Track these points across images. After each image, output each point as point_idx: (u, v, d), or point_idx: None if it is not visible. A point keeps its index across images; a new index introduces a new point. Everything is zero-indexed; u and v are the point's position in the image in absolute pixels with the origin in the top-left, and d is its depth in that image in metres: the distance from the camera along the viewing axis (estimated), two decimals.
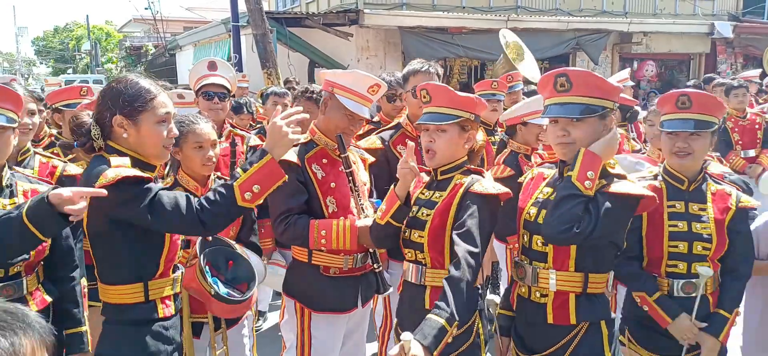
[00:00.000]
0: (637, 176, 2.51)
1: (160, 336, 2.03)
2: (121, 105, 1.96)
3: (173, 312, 2.10)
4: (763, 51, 10.36)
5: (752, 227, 2.54)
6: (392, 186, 2.35)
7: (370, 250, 2.68)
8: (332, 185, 2.66)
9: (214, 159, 2.72)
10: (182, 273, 2.21)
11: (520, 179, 2.46)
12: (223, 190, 1.94)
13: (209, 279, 2.22)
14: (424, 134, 2.30)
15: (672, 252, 2.39)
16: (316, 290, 2.69)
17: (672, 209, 2.41)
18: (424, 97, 2.27)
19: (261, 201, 2.01)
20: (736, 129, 5.68)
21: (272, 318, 4.85)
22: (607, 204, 1.99)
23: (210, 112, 3.57)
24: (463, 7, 12.87)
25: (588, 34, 13.49)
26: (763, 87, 9.09)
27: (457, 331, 2.03)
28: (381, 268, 2.69)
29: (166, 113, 2.01)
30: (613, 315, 2.21)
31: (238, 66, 9.81)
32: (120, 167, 1.89)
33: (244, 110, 5.48)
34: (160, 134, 2.00)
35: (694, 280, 2.37)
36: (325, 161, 2.70)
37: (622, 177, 2.08)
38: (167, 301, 2.08)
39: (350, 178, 2.63)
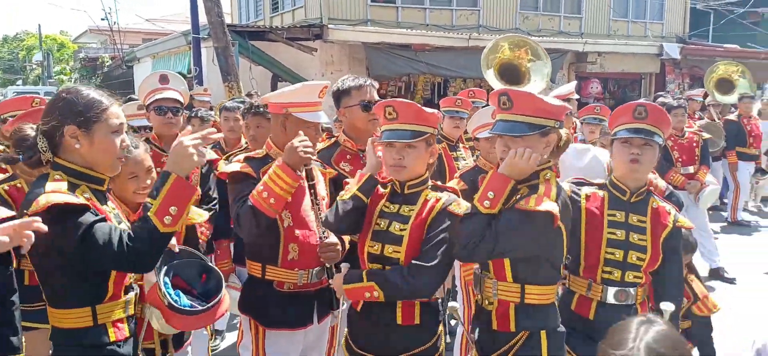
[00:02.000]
0: (584, 188, 2.64)
1: None
2: (73, 116, 1.90)
3: (127, 335, 2.04)
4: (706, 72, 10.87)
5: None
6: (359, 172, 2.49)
7: (326, 265, 2.69)
8: (289, 199, 2.62)
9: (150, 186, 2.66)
10: (136, 293, 2.15)
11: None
12: (141, 223, 1.86)
13: (164, 290, 2.16)
14: (389, 149, 2.31)
15: (608, 259, 2.49)
16: (270, 306, 2.67)
17: (612, 218, 2.51)
18: (390, 114, 2.30)
19: (180, 224, 1.91)
20: (676, 147, 5.95)
21: (230, 337, 4.78)
22: (508, 220, 2.12)
23: (163, 127, 3.54)
24: (427, 25, 13.07)
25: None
26: (706, 106, 9.53)
27: (422, 348, 2.25)
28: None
29: (119, 123, 1.97)
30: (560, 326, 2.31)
31: (199, 79, 9.71)
32: (52, 193, 1.81)
33: (196, 115, 5.41)
34: (114, 145, 1.96)
35: (626, 289, 2.48)
36: None
37: (545, 186, 2.17)
38: (119, 324, 2.01)
39: (312, 191, 2.65)
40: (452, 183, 3.50)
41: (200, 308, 2.22)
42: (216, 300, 2.24)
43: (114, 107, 1.97)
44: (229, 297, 2.34)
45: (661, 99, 6.45)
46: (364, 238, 2.40)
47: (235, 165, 2.68)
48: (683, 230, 2.58)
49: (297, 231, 2.63)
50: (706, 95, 9.93)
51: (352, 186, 2.43)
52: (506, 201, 2.17)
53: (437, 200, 2.29)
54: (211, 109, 6.39)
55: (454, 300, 4.27)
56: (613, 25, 16.10)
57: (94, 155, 1.94)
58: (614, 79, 16.57)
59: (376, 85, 3.19)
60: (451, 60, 12.46)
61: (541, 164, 2.22)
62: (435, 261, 2.18)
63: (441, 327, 2.36)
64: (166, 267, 2.22)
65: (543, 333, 2.23)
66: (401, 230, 2.28)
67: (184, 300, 2.21)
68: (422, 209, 2.29)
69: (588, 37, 15.08)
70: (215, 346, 4.69)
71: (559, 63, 14.23)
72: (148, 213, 1.84)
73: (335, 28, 10.99)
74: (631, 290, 2.49)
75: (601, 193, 2.58)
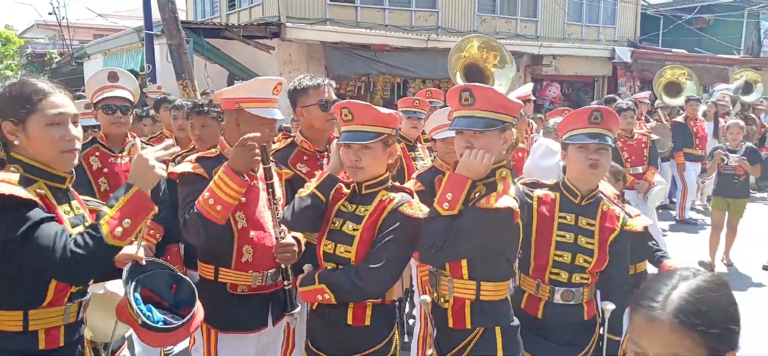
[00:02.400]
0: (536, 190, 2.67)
1: None
2: (6, 111, 1.81)
3: (61, 344, 1.89)
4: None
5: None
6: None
7: (281, 266, 2.64)
8: (242, 199, 2.57)
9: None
10: (86, 301, 2.01)
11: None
12: (91, 231, 1.75)
13: (136, 308, 2.03)
14: (346, 150, 2.30)
15: (557, 261, 2.52)
16: (222, 309, 2.60)
17: (562, 221, 2.54)
18: (347, 115, 2.28)
19: (129, 240, 1.83)
20: (625, 148, 6.13)
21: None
22: (469, 219, 2.13)
23: (111, 126, 3.42)
24: (386, 26, 13.10)
25: None
26: (654, 108, 9.86)
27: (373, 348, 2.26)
28: (291, 285, 2.65)
29: (57, 113, 1.84)
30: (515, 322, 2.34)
31: (152, 77, 9.46)
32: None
33: (146, 114, 5.26)
34: (51, 137, 1.83)
35: (572, 289, 2.52)
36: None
37: (496, 190, 2.18)
38: (55, 332, 1.87)
39: (271, 190, 2.59)
40: (409, 184, 3.48)
41: (176, 324, 2.10)
42: (191, 313, 2.13)
43: (53, 96, 1.84)
44: (201, 310, 2.23)
45: (615, 103, 6.63)
46: (321, 237, 2.38)
47: (186, 165, 2.59)
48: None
49: (252, 233, 2.58)
50: (654, 98, 10.28)
51: (310, 184, 2.41)
52: (465, 201, 2.17)
53: (390, 201, 2.28)
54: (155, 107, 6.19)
55: (411, 299, 4.28)
56: (568, 29, 16.49)
57: (33, 149, 1.83)
58: (568, 81, 16.98)
59: (334, 84, 3.16)
60: (410, 61, 12.53)
61: (498, 162, 2.23)
62: (382, 263, 2.17)
63: (395, 329, 2.36)
64: (134, 282, 2.09)
65: (498, 329, 2.25)
66: (353, 230, 2.27)
67: (157, 315, 2.09)
68: (376, 210, 2.28)
69: (543, 40, 15.40)
70: (168, 351, 4.57)
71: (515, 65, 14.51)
72: (100, 220, 1.76)
73: (293, 27, 10.90)
74: (578, 290, 2.53)
75: (552, 194, 2.60)
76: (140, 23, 10.28)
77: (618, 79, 17.14)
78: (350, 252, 2.26)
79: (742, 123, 6.58)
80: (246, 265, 2.58)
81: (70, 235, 1.76)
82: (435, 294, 2.38)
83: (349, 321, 2.29)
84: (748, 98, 11.20)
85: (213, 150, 2.72)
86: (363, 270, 2.19)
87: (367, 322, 2.30)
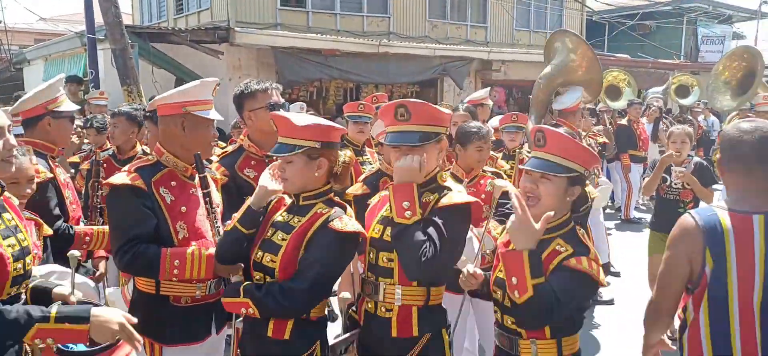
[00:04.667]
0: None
1: None
2: None
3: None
4: None
5: None
6: None
7: (222, 277, 2.58)
8: (183, 209, 2.52)
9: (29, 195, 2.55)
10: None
11: (369, 201, 2.57)
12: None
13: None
14: (276, 162, 2.33)
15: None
16: (167, 323, 2.53)
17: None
18: (276, 126, 2.30)
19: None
20: None
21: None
22: (445, 218, 2.14)
23: None
24: (338, 31, 13.09)
25: (453, 61, 14.28)
26: (598, 112, 10.18)
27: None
28: None
29: None
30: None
31: (95, 82, 9.17)
32: None
33: (90, 124, 5.09)
34: None
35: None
36: (173, 183, 2.56)
37: (449, 189, 2.24)
38: None
39: (208, 199, 2.53)
40: (356, 187, 3.51)
41: (93, 349, 2.08)
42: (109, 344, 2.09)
43: None
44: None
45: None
46: (254, 246, 2.32)
47: (122, 177, 2.47)
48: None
49: (193, 243, 2.50)
50: (597, 102, 10.60)
51: (235, 216, 2.33)
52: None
53: (322, 215, 2.22)
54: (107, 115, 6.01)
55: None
56: (517, 34, 16.86)
57: None
58: (518, 86, 17.33)
59: (280, 87, 3.13)
60: (362, 66, 12.54)
61: (434, 170, 2.29)
62: (307, 284, 2.12)
63: (317, 346, 2.28)
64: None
65: (443, 331, 2.28)
66: (282, 239, 2.22)
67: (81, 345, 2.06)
68: (307, 221, 2.23)
69: (493, 46, 15.67)
70: None
71: (465, 70, 14.72)
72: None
73: (243, 32, 10.75)
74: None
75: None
76: (83, 27, 9.96)
77: None
78: (275, 262, 2.19)
79: (689, 130, 4.87)
80: (191, 277, 2.49)
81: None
82: (370, 304, 2.32)
83: (269, 334, 2.23)
84: (685, 101, 11.65)
85: (149, 158, 2.64)
86: (288, 290, 2.13)
87: (287, 336, 2.23)
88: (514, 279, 1.99)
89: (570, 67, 5.62)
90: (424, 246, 2.08)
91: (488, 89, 7.62)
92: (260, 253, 2.26)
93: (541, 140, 2.13)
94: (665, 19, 20.93)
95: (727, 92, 8.68)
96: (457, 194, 2.22)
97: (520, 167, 2.38)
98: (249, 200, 2.31)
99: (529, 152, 4.54)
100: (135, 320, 1.96)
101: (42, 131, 3.20)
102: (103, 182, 2.63)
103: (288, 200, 2.39)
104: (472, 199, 2.21)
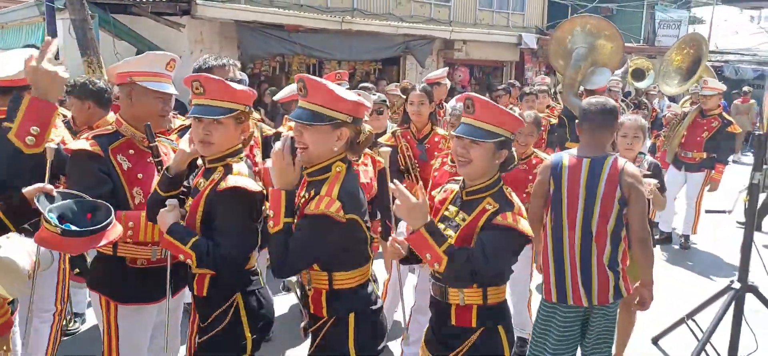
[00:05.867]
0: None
1: None
2: None
3: None
4: None
5: None
6: None
7: None
8: (139, 176, 2.67)
9: None
10: None
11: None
12: None
13: (53, 223, 2.10)
14: (196, 124, 2.34)
15: None
16: (122, 282, 2.68)
17: (446, 212, 2.50)
18: (198, 89, 2.31)
19: (45, 143, 1.88)
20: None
21: (91, 317, 4.72)
22: (299, 228, 2.20)
23: None
24: (301, 6, 13.02)
25: (416, 39, 14.42)
26: (556, 92, 10.54)
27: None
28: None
29: None
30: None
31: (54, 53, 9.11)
32: None
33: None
34: None
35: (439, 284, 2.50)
36: (131, 151, 2.70)
37: (321, 192, 2.19)
38: None
39: (159, 168, 2.65)
40: None
41: (91, 228, 2.17)
42: (107, 221, 2.21)
43: None
44: (119, 227, 2.33)
45: (521, 90, 7.11)
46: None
47: (81, 143, 2.63)
48: None
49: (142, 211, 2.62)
50: (557, 83, 10.95)
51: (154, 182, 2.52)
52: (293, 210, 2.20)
53: (213, 181, 2.35)
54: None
55: None
56: (480, 14, 17.02)
57: None
58: (479, 66, 17.65)
59: (238, 64, 3.25)
60: (325, 42, 12.61)
61: (333, 156, 2.23)
62: (224, 253, 2.25)
63: (236, 299, 2.42)
64: (49, 206, 2.17)
65: (351, 316, 2.29)
66: (188, 205, 2.42)
67: (74, 227, 2.17)
68: (207, 185, 2.37)
69: (455, 25, 15.82)
70: (75, 329, 4.62)
71: (428, 49, 14.88)
72: (8, 135, 1.82)
73: (204, 4, 10.73)
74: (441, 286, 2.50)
75: (457, 187, 2.56)
76: None
77: (525, 64, 18.01)
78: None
79: (642, 122, 4.01)
80: (144, 239, 2.62)
81: None
82: (307, 279, 2.40)
83: (194, 291, 2.48)
84: (640, 84, 11.92)
85: (109, 127, 2.78)
86: (215, 258, 2.26)
87: (204, 293, 2.44)
88: (427, 255, 2.18)
89: (598, 49, 6.40)
90: (282, 257, 2.18)
91: (445, 68, 7.87)
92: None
93: (470, 107, 2.30)
94: (625, 2, 21.29)
95: (676, 77, 9.04)
96: (325, 200, 2.14)
97: (452, 132, 2.57)
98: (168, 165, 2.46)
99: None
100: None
101: None
102: (64, 148, 2.80)
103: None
104: (327, 209, 2.13)
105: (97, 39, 8.68)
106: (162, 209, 2.36)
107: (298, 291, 2.53)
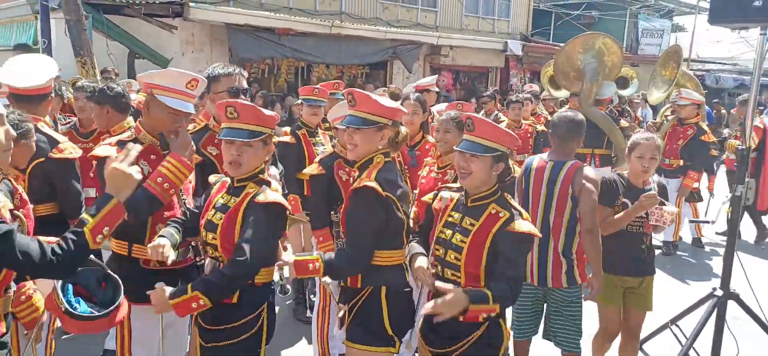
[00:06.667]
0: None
1: None
2: None
3: (4, 331, 2.12)
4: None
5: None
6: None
7: (192, 243, 2.84)
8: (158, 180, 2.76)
9: None
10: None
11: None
12: (75, 237, 1.95)
13: (61, 297, 2.19)
14: (227, 146, 2.50)
15: (435, 255, 2.71)
16: (134, 282, 2.70)
17: (450, 219, 2.68)
18: (232, 113, 2.47)
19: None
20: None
21: None
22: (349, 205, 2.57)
23: None
24: (290, 9, 13.14)
25: (403, 44, 14.59)
26: (542, 99, 10.73)
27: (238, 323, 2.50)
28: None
29: None
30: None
31: (48, 52, 9.13)
32: None
33: (53, 93, 5.29)
34: None
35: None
36: (153, 157, 2.80)
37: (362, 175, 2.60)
38: None
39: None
40: (312, 168, 3.80)
41: (98, 314, 2.25)
42: (114, 306, 2.30)
43: None
44: (126, 304, 2.43)
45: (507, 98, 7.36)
46: (201, 226, 2.60)
47: (108, 148, 2.74)
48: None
49: (165, 212, 2.76)
50: (541, 89, 11.14)
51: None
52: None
53: (250, 194, 2.49)
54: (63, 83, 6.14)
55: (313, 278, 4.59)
56: (466, 20, 17.24)
57: None
58: (465, 71, 17.87)
59: (245, 74, 3.33)
60: (314, 45, 12.73)
61: (376, 153, 2.64)
62: (245, 255, 2.34)
63: (263, 309, 2.58)
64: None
65: (383, 290, 2.62)
66: (219, 219, 2.50)
67: (84, 307, 2.24)
68: (241, 200, 2.50)
69: (442, 30, 16.01)
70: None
71: (415, 54, 15.04)
72: (85, 229, 1.95)
73: (196, 7, 10.80)
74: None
75: (456, 195, 2.77)
76: None
77: (510, 70, 18.27)
78: (216, 239, 2.48)
79: (659, 141, 3.64)
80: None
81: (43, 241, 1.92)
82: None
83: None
84: (625, 92, 12.08)
85: (129, 133, 2.89)
86: (229, 263, 2.38)
87: (235, 300, 2.51)
88: (483, 316, 2.48)
89: (605, 64, 7.03)
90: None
91: (435, 76, 8.02)
92: (205, 232, 2.54)
93: (471, 125, 2.57)
94: (608, 11, 21.58)
95: (663, 86, 9.28)
96: (365, 179, 2.53)
97: (455, 148, 2.81)
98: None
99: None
100: (132, 156, 2.14)
101: None
102: (88, 155, 2.91)
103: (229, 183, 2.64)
104: (369, 182, 2.51)
105: (90, 39, 8.72)
106: (156, 295, 2.44)
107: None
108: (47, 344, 3.48)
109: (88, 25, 8.78)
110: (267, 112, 2.54)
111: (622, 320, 3.81)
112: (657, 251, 7.36)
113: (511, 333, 2.69)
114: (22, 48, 9.00)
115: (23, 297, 2.53)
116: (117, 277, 2.43)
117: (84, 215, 1.99)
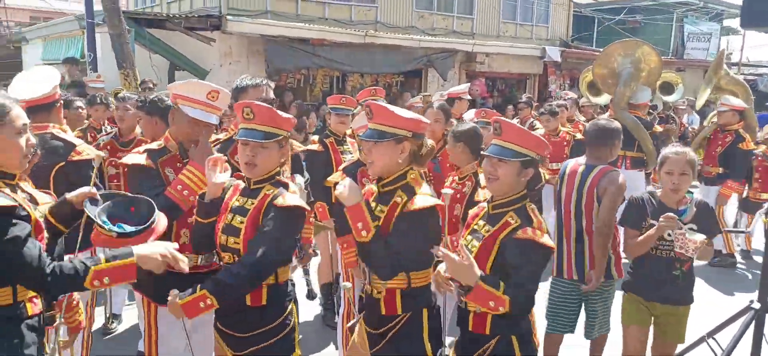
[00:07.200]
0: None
1: (32, 328, 2.10)
2: None
3: (41, 309, 2.18)
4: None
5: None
6: None
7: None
8: (179, 186, 2.83)
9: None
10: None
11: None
12: (79, 268, 1.99)
13: (108, 227, 2.24)
14: (243, 147, 2.49)
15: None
16: (161, 285, 2.74)
17: (476, 226, 2.64)
18: (248, 114, 2.46)
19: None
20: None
21: (127, 319, 4.95)
22: (398, 227, 2.44)
23: None
24: (326, 20, 13.31)
25: (438, 52, 14.54)
26: (581, 106, 10.53)
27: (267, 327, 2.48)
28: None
29: (23, 124, 2.06)
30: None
31: (93, 65, 9.53)
32: None
33: (98, 100, 5.59)
34: (20, 146, 2.05)
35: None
36: (179, 165, 2.89)
37: (414, 192, 2.47)
38: (35, 299, 2.13)
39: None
40: (336, 175, 3.84)
41: (142, 227, 2.30)
42: (153, 218, 2.34)
43: (16, 109, 2.05)
44: (164, 219, 2.46)
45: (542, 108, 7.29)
46: (218, 230, 2.57)
47: (139, 157, 2.87)
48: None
49: (189, 218, 2.81)
50: (580, 96, 10.95)
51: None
52: (376, 213, 2.43)
53: (268, 196, 2.48)
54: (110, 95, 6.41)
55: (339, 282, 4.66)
56: (503, 27, 17.08)
57: (1, 157, 2.04)
58: (502, 78, 17.68)
59: (272, 84, 3.39)
60: (348, 55, 12.83)
61: (401, 169, 2.49)
62: (259, 253, 2.34)
63: (291, 305, 2.57)
64: (97, 210, 2.29)
65: (425, 311, 2.54)
66: (241, 222, 2.47)
67: (128, 228, 2.29)
68: (260, 202, 2.48)
69: (478, 37, 15.92)
70: (113, 329, 4.85)
71: (450, 62, 14.98)
72: (90, 266, 1.99)
73: (234, 20, 11.06)
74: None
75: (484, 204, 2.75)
76: (80, 7, 10.26)
77: (548, 77, 17.99)
78: (239, 243, 2.45)
79: (692, 156, 3.33)
80: (183, 247, 2.72)
81: (47, 257, 1.96)
82: (368, 287, 2.58)
83: (248, 302, 2.48)
84: (669, 98, 11.67)
85: (159, 143, 3.00)
86: (240, 263, 2.38)
87: (264, 302, 2.49)
88: (491, 303, 2.30)
89: (641, 70, 7.20)
90: (384, 260, 2.40)
91: (467, 84, 8.00)
92: (224, 236, 2.51)
93: (499, 130, 2.47)
94: (653, 14, 21.04)
95: (707, 90, 9.00)
96: (421, 197, 2.42)
97: (483, 152, 2.75)
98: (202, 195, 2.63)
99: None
100: (175, 245, 2.21)
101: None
102: (119, 161, 3.01)
103: (241, 185, 2.63)
104: (431, 202, 2.42)
105: (133, 52, 9.06)
106: (169, 299, 2.44)
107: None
108: (84, 341, 3.63)
109: (130, 39, 9.13)
110: (283, 114, 2.54)
111: (650, 345, 3.60)
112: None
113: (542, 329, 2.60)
114: (70, 61, 9.39)
115: (74, 303, 2.61)
116: (146, 197, 2.46)
117: (99, 255, 2.04)
